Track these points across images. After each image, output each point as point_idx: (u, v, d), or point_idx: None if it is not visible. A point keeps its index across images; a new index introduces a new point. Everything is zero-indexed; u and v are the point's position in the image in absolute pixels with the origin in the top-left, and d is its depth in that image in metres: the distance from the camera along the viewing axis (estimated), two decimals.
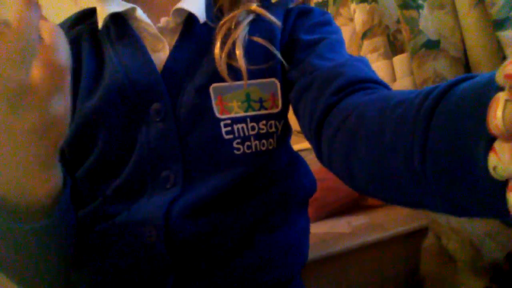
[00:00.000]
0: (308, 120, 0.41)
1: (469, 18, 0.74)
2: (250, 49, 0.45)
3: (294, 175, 0.51)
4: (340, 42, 0.48)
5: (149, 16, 0.45)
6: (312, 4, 1.15)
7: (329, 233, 0.78)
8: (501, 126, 0.17)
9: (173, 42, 0.45)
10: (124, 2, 0.45)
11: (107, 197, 0.44)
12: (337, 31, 0.50)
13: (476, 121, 0.20)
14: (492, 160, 0.18)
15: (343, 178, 0.37)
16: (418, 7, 0.78)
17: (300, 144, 1.05)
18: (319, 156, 0.41)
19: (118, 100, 0.44)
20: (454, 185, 0.23)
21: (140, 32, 0.46)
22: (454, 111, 0.23)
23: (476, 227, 0.58)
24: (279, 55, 0.46)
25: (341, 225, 0.81)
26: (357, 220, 0.82)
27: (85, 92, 0.44)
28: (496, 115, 0.17)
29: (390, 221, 0.80)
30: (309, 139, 0.43)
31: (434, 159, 0.24)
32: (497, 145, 0.18)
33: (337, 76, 0.39)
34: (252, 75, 0.44)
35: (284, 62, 0.46)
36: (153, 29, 0.45)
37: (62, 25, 0.51)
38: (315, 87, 0.41)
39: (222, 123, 0.44)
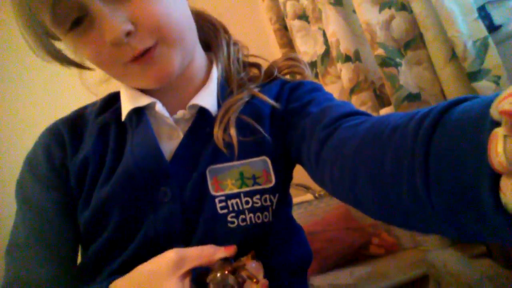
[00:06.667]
0: (307, 159, 0.44)
1: (446, 72, 0.80)
2: (242, 125, 0.48)
3: (291, 247, 0.52)
4: (330, 98, 0.50)
5: (167, 108, 0.49)
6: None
7: (332, 285, 0.77)
8: (504, 162, 0.17)
9: (186, 129, 0.49)
10: (147, 97, 0.50)
11: (113, 270, 0.46)
12: (327, 93, 0.52)
13: (476, 158, 0.20)
14: (504, 198, 0.18)
15: (353, 206, 0.38)
16: (397, 64, 0.84)
17: (299, 197, 1.08)
18: (325, 188, 0.42)
19: (128, 185, 0.46)
20: (460, 214, 0.23)
21: (158, 122, 0.50)
22: (451, 145, 0.23)
23: (474, 270, 0.59)
24: (262, 131, 0.48)
25: (343, 276, 0.81)
26: (359, 270, 0.82)
27: (104, 178, 0.48)
28: (498, 151, 0.17)
29: (392, 270, 0.80)
30: (313, 176, 0.45)
31: (438, 190, 0.24)
32: (503, 182, 0.18)
33: (325, 116, 0.42)
34: (244, 155, 0.47)
35: (267, 136, 0.48)
36: (170, 120, 0.49)
37: (89, 109, 0.55)
38: (308, 132, 0.44)
39: (216, 200, 0.46)
